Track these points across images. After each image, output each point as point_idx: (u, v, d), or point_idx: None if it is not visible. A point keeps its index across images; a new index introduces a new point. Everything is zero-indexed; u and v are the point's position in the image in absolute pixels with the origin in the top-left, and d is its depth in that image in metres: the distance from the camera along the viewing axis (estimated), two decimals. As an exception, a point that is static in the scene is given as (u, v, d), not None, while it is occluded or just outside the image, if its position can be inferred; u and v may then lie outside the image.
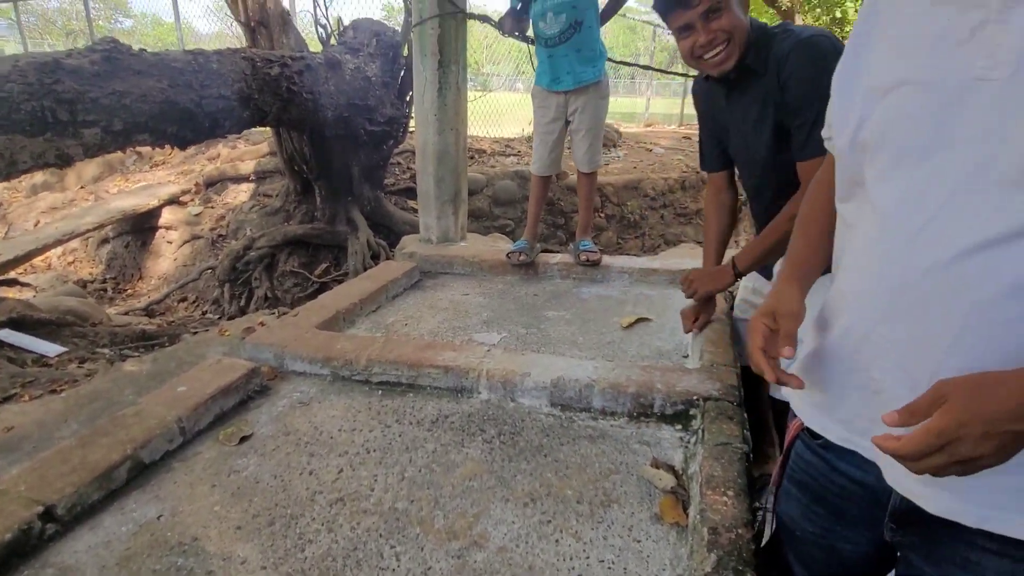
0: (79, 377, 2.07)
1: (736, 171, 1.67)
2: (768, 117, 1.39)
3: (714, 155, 1.66)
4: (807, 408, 0.81)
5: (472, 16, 2.71)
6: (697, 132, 1.76)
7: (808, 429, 0.82)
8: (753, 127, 1.44)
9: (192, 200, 4.72)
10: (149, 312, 3.82)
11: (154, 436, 1.31)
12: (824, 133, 0.80)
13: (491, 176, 4.23)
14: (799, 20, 10.87)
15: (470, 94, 6.09)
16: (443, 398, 1.58)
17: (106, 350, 2.42)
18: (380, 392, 1.62)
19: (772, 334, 0.79)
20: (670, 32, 1.43)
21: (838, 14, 13.31)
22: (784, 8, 10.62)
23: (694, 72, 1.58)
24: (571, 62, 2.30)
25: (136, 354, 2.36)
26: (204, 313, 3.80)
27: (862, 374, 0.70)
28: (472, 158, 4.89)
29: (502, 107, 6.87)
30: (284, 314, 2.39)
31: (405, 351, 1.68)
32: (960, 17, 0.57)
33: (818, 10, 13.42)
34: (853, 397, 0.72)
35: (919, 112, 0.60)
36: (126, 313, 3.66)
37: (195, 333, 2.57)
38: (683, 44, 1.38)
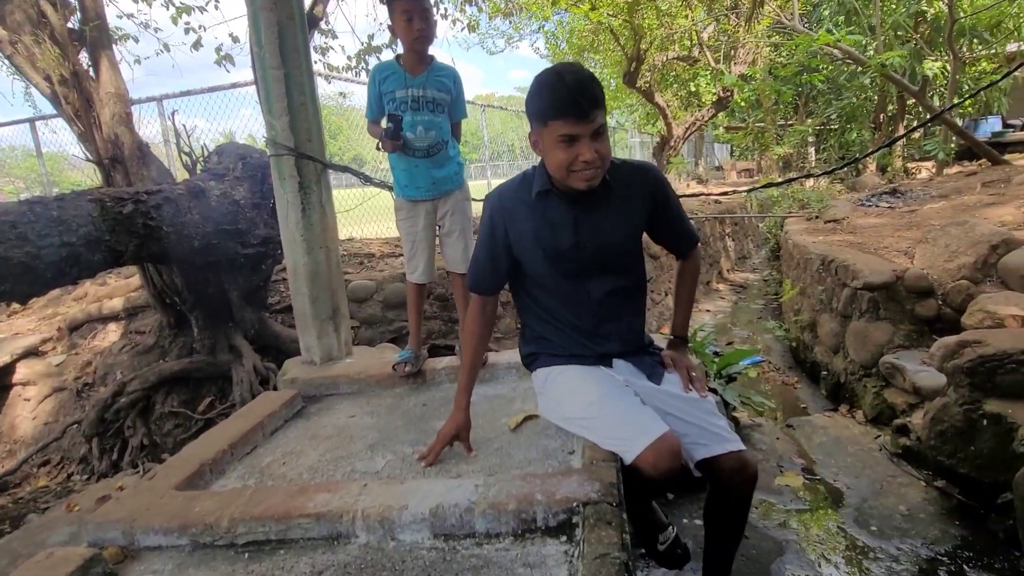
0: None
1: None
2: (639, 216, 1.67)
3: (499, 275, 1.74)
4: None
5: (332, 166, 2.78)
6: None
7: None
8: (618, 224, 1.64)
9: (54, 348, 4.31)
10: (1, 486, 3.35)
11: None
12: None
13: (380, 280, 4.19)
14: (658, 98, 12.03)
15: (357, 194, 6.10)
16: (317, 550, 1.44)
17: (-73, 553, 2.05)
18: (246, 555, 1.46)
19: None
20: (533, 134, 1.54)
21: (692, 88, 14.92)
22: (643, 88, 11.74)
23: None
24: (433, 173, 2.38)
25: (-35, 552, 2.02)
26: (70, 476, 3.38)
27: None
28: (361, 263, 4.85)
29: (392, 204, 6.93)
30: (148, 471, 2.16)
31: (273, 501, 1.54)
32: None
33: (675, 85, 14.98)
34: None
35: None
36: (-29, 492, 3.19)
37: (45, 510, 2.26)
38: (560, 154, 1.45)
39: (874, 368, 3.50)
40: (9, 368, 4.11)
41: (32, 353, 4.22)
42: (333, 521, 1.46)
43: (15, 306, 5.32)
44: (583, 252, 1.63)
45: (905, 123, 10.93)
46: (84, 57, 3.62)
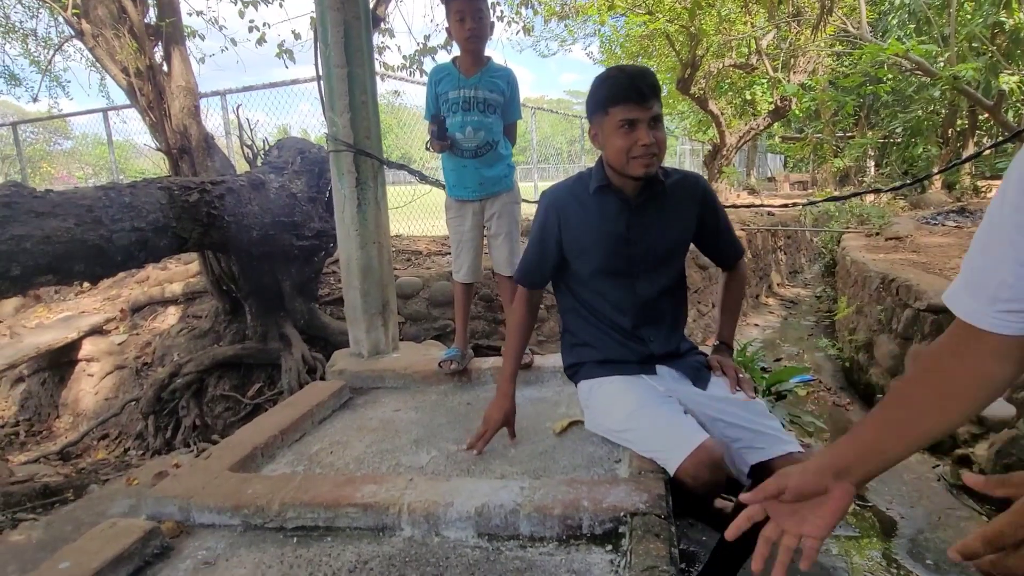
0: (-42, 555, 1.84)
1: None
2: (687, 222, 1.69)
3: (546, 271, 1.77)
4: None
5: (390, 164, 2.84)
6: None
7: None
8: (668, 228, 1.68)
9: (117, 328, 4.52)
10: (64, 455, 3.53)
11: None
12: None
13: (427, 278, 4.24)
14: (712, 106, 11.80)
15: (409, 191, 6.20)
16: (363, 540, 1.46)
17: (-2, 515, 2.18)
18: (295, 540, 1.49)
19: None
20: (593, 127, 1.60)
21: (748, 96, 14.59)
22: (697, 95, 11.54)
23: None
24: (481, 173, 2.39)
25: (32, 517, 2.13)
26: (127, 450, 3.54)
27: None
28: (408, 260, 4.91)
29: (442, 203, 6.99)
30: (202, 451, 2.24)
31: (322, 490, 1.57)
32: None
33: (730, 93, 14.68)
34: None
35: None
36: (37, 460, 3.37)
37: (105, 482, 2.37)
38: (620, 140, 1.51)
39: (935, 394, 3.33)
40: (75, 344, 4.33)
41: (96, 331, 4.44)
42: (380, 513, 1.47)
43: (84, 286, 5.61)
44: (633, 250, 1.66)
45: (976, 139, 10.41)
46: (158, 51, 3.80)
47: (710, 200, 1.74)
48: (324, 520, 1.51)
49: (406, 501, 1.48)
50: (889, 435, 0.76)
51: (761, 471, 1.49)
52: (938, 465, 3.00)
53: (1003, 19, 8.33)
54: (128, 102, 4.16)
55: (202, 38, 5.46)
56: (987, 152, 10.62)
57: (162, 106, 3.63)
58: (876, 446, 0.77)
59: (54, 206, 2.34)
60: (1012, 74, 8.12)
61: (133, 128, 9.77)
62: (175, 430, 3.55)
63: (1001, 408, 2.77)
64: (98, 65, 4.22)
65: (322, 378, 3.30)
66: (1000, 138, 7.65)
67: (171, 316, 4.42)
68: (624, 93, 1.47)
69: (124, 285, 5.19)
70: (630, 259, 1.67)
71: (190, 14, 5.75)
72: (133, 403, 3.73)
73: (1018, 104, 9.14)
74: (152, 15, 3.81)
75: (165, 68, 3.75)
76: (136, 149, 10.75)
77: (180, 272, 4.82)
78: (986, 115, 8.63)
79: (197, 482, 1.68)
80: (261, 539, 1.51)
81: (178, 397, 3.57)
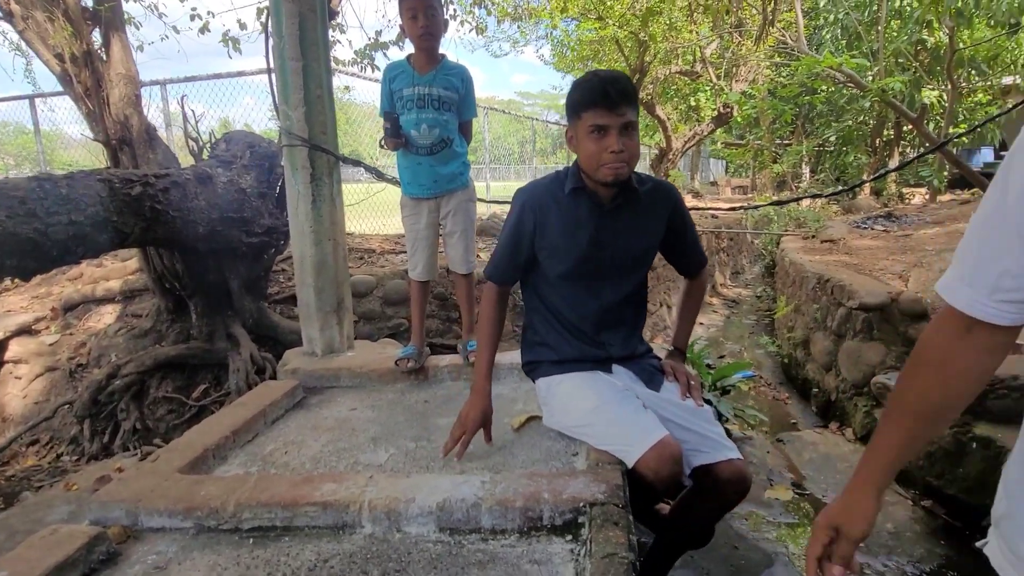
0: None
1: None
2: (657, 230, 1.72)
3: (517, 268, 1.78)
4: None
5: (346, 160, 2.80)
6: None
7: None
8: (638, 234, 1.70)
9: (47, 328, 4.27)
10: (-11, 463, 3.32)
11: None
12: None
13: (381, 276, 4.20)
14: (659, 111, 12.11)
15: (362, 188, 6.11)
16: (323, 538, 1.45)
17: (-81, 526, 2.03)
18: (251, 541, 1.47)
19: (830, 546, 0.77)
20: (563, 124, 1.60)
21: (692, 102, 15.05)
22: (645, 101, 11.82)
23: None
24: (436, 171, 2.39)
25: (-41, 527, 2.00)
26: (59, 456, 3.35)
27: None
28: (361, 258, 4.85)
29: (395, 201, 6.91)
30: (147, 455, 2.16)
31: (280, 489, 1.55)
32: None
33: (675, 99, 15.10)
34: None
35: None
36: (-41, 468, 3.15)
37: (39, 489, 2.24)
38: (591, 145, 1.52)
39: (866, 387, 3.55)
40: (1, 346, 4.06)
41: (25, 331, 4.18)
42: (340, 511, 1.47)
43: (7, 283, 5.26)
44: (602, 254, 1.68)
45: (901, 148, 11.10)
46: (96, 37, 3.61)
47: (680, 209, 1.76)
48: (282, 520, 1.49)
49: (367, 498, 1.48)
50: (908, 444, 0.78)
51: (703, 474, 1.57)
52: (868, 454, 3.20)
53: (925, 37, 8.92)
54: (59, 89, 3.93)
55: (138, 26, 5.21)
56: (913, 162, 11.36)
57: (100, 94, 3.46)
58: (899, 457, 0.79)
59: (-18, 197, 2.20)
60: (933, 89, 8.71)
61: (61, 117, 9.21)
62: (113, 434, 3.39)
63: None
64: (26, 49, 3.98)
65: (272, 378, 3.22)
66: (922, 149, 8.19)
67: (108, 315, 4.21)
68: (595, 98, 1.48)
69: (55, 283, 4.90)
70: (599, 263, 1.69)
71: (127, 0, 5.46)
72: (67, 406, 3.54)
73: (938, 117, 9.79)
74: (90, -1, 3.62)
75: (103, 55, 3.57)
76: (64, 140, 10.13)
77: (117, 269, 4.59)
78: (910, 126, 9.21)
79: (145, 485, 1.62)
80: (215, 541, 1.47)
81: (117, 400, 3.40)
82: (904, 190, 10.80)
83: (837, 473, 3.04)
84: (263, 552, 1.42)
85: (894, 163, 10.47)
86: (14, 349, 4.08)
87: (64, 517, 1.75)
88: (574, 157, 1.67)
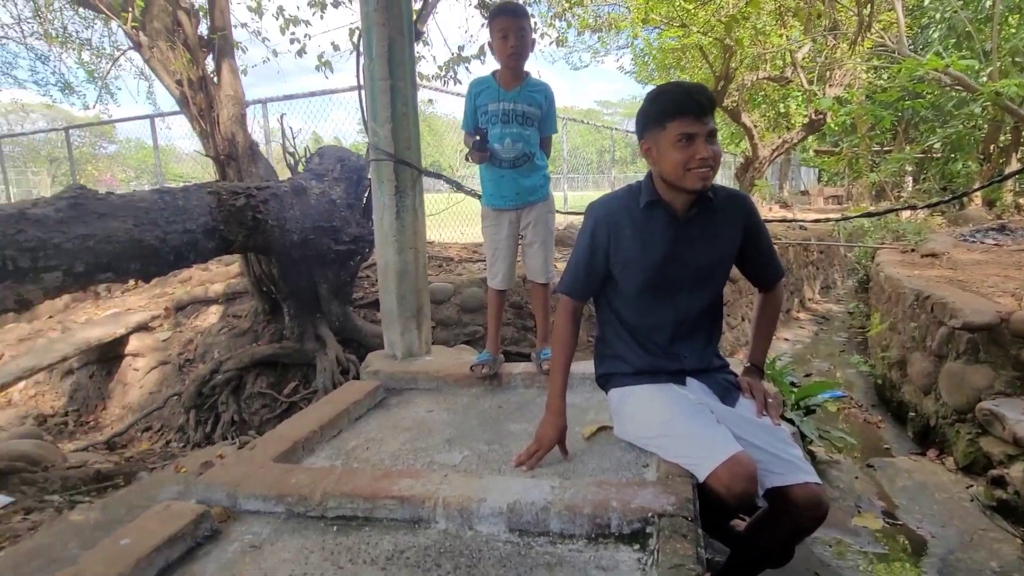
0: (22, 531, 1.97)
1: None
2: (732, 240, 1.70)
3: (593, 283, 1.77)
4: None
5: (428, 173, 2.95)
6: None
7: None
8: (713, 245, 1.68)
9: (161, 325, 4.71)
10: (111, 445, 3.70)
11: (89, 601, 1.25)
12: None
13: (458, 284, 4.33)
14: (744, 118, 11.72)
15: (443, 199, 6.33)
16: (400, 531, 1.53)
17: (56, 497, 2.31)
18: (335, 528, 1.57)
19: None
20: (646, 141, 1.61)
21: (781, 109, 14.44)
22: (730, 108, 11.49)
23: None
24: (519, 183, 2.46)
25: (87, 499, 2.26)
26: (168, 443, 3.69)
27: None
28: (440, 266, 5.02)
29: (473, 211, 7.09)
30: (244, 444, 2.35)
31: (361, 482, 1.65)
32: None
33: (763, 106, 14.56)
34: None
35: None
36: (86, 448, 3.54)
37: (152, 470, 2.49)
38: (678, 154, 1.53)
39: (970, 414, 3.28)
40: (123, 340, 4.53)
41: (143, 328, 4.64)
42: (416, 506, 1.54)
43: (130, 284, 5.84)
44: (677, 266, 1.67)
45: (1019, 155, 10.14)
46: (209, 62, 3.98)
47: (755, 219, 1.74)
48: (363, 511, 1.58)
49: (441, 495, 1.55)
50: None
51: (777, 496, 1.52)
52: (971, 485, 2.96)
53: (1049, 33, 8.14)
54: (174, 109, 4.35)
55: (244, 51, 5.67)
56: (1031, 169, 10.33)
57: (212, 115, 3.81)
58: None
59: (115, 208, 2.49)
60: (1058, 90, 7.91)
61: (175, 133, 10.13)
62: (214, 425, 3.69)
63: (1038, 429, 2.73)
64: (149, 74, 4.44)
65: (356, 378, 3.40)
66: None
67: (212, 315, 4.59)
68: (683, 107, 1.49)
69: (168, 284, 5.41)
70: (674, 276, 1.68)
71: (235, 26, 5.97)
72: (175, 397, 3.89)
73: (1064, 120, 8.88)
74: (204, 28, 4.00)
75: (215, 79, 3.93)
76: (176, 154, 11.14)
77: (221, 273, 5.00)
78: (1030, 131, 8.41)
79: (243, 471, 1.78)
80: (303, 526, 1.59)
81: (218, 393, 3.71)
82: (1021, 200, 9.85)
83: (935, 503, 2.83)
84: (345, 539, 1.52)
85: (1010, 171, 9.57)
86: (133, 343, 4.53)
87: (174, 496, 1.94)
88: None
